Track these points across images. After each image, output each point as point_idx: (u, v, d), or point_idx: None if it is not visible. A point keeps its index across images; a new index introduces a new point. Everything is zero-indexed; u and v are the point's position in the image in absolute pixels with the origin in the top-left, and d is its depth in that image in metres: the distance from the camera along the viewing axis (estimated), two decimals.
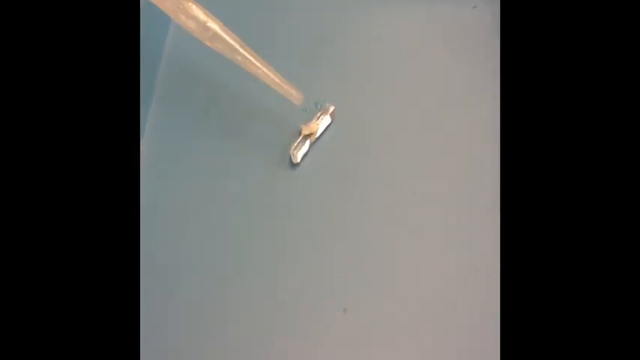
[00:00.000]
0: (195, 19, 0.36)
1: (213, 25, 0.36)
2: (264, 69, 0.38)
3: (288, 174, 0.41)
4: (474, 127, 0.41)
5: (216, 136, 0.43)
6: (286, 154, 0.41)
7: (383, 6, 0.47)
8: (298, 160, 0.41)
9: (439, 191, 0.39)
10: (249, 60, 0.38)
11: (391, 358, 0.34)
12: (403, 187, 0.40)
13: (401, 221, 0.38)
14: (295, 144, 0.41)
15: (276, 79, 0.39)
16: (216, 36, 0.37)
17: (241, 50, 0.37)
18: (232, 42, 0.37)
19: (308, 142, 0.41)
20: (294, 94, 0.40)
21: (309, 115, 0.42)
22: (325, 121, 0.42)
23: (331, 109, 0.42)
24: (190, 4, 0.36)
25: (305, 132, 0.41)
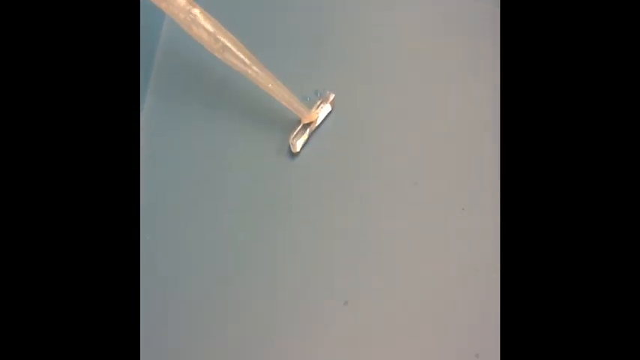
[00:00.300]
0: (206, 30, 0.37)
1: (223, 39, 0.38)
2: (274, 84, 0.39)
3: (287, 163, 0.41)
4: (475, 115, 0.41)
5: (214, 126, 0.42)
6: (286, 143, 0.41)
7: None
8: (298, 150, 0.40)
9: (440, 180, 0.39)
10: (260, 75, 0.39)
11: (392, 348, 0.35)
12: (403, 177, 0.40)
13: (402, 211, 0.38)
14: (295, 133, 0.41)
15: (286, 95, 0.39)
16: (225, 48, 0.38)
17: (254, 68, 0.38)
18: (243, 56, 0.38)
19: (308, 131, 0.41)
20: (303, 112, 0.40)
21: (309, 103, 0.41)
22: (325, 109, 0.41)
23: (331, 97, 0.42)
24: (201, 15, 0.37)
25: (305, 121, 0.41)
